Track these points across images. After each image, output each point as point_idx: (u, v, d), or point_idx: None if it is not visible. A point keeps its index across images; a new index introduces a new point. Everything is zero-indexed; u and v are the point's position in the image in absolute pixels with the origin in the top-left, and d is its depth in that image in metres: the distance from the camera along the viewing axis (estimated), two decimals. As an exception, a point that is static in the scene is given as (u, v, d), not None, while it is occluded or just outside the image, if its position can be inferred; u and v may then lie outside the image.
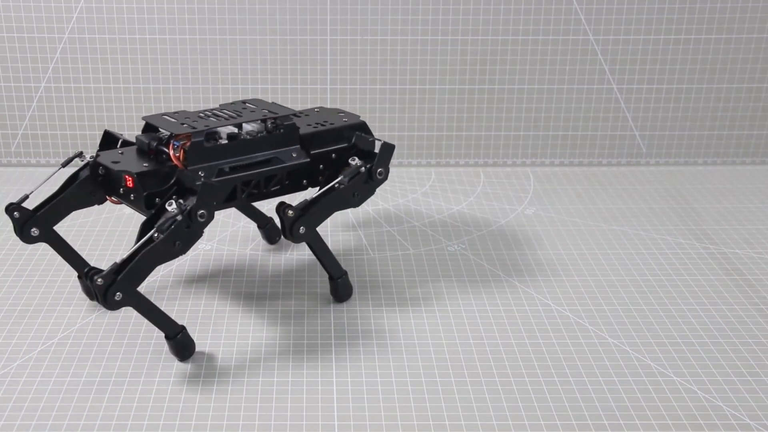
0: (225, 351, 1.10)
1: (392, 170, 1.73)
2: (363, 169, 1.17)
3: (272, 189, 1.17)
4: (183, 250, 1.04)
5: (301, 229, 1.12)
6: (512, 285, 1.28)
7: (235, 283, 1.27)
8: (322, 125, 1.21)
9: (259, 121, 1.16)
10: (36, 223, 1.13)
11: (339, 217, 1.50)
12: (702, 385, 1.04)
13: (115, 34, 1.68)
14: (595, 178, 1.72)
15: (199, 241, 1.38)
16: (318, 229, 1.15)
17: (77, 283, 1.26)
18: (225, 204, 1.14)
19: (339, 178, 1.15)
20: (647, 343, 1.13)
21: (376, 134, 1.74)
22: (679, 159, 1.79)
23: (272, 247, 1.39)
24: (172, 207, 1.02)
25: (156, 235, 1.01)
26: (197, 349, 1.10)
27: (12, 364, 1.07)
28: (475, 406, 1.00)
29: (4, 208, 1.13)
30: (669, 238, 1.44)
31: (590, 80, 1.74)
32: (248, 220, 1.48)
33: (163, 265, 1.31)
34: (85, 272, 1.00)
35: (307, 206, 1.13)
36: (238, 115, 1.15)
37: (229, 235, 1.43)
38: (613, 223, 1.50)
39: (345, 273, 1.21)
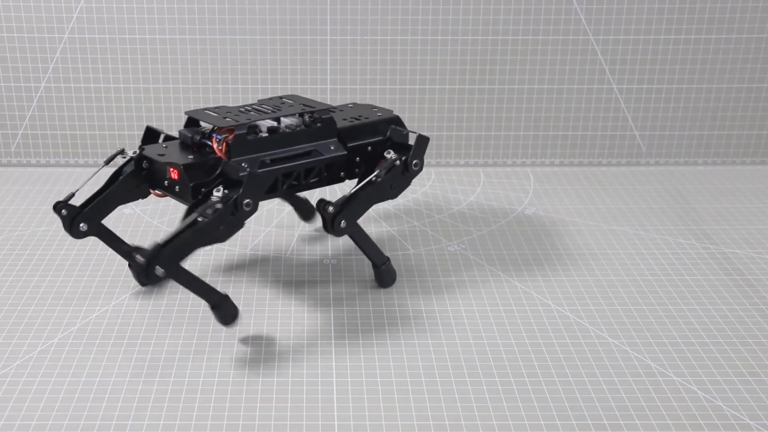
0: (225, 351, 1.10)
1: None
2: (399, 161, 1.20)
3: (311, 181, 1.21)
4: (225, 236, 1.08)
5: (342, 224, 1.16)
6: (512, 285, 1.28)
7: (235, 284, 1.27)
8: (358, 119, 1.26)
9: (297, 116, 1.20)
10: (84, 218, 1.16)
11: (339, 217, 1.51)
12: (702, 385, 1.04)
13: (115, 34, 1.68)
14: (595, 178, 1.72)
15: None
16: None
17: (76, 283, 1.26)
18: (266, 195, 1.18)
19: (376, 172, 1.18)
20: (647, 343, 1.13)
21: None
22: (679, 159, 1.79)
23: (272, 246, 1.39)
24: (219, 193, 1.06)
25: (200, 218, 1.05)
26: (197, 349, 1.10)
27: (12, 364, 1.07)
28: (475, 406, 1.00)
29: (52, 206, 1.17)
30: (669, 238, 1.44)
31: (590, 80, 1.74)
32: (249, 219, 1.48)
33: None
34: (130, 251, 1.04)
35: (346, 201, 1.16)
36: (277, 110, 1.20)
37: (229, 235, 1.43)
38: (613, 223, 1.50)
39: (387, 259, 1.25)
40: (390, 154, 1.21)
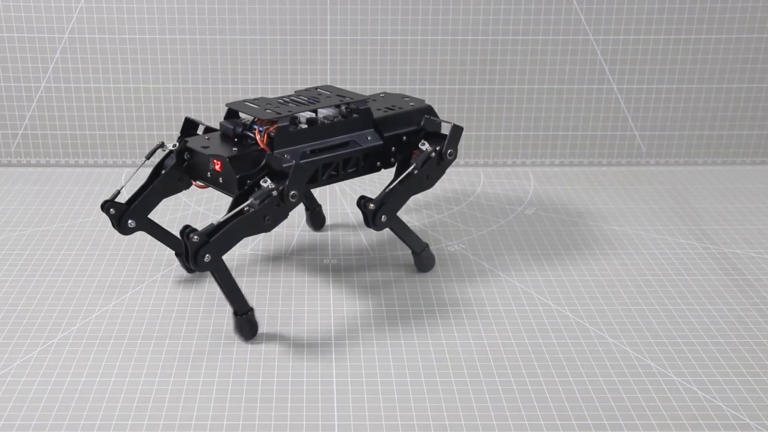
0: (225, 351, 1.10)
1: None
2: (434, 152, 1.22)
3: (349, 171, 1.24)
4: (271, 226, 1.10)
5: (384, 218, 1.20)
6: (512, 285, 1.28)
7: (235, 283, 1.27)
8: (392, 109, 1.28)
9: (334, 107, 1.22)
10: (132, 215, 1.19)
11: (339, 216, 1.50)
12: (702, 385, 1.04)
13: (115, 34, 1.68)
14: (595, 178, 1.72)
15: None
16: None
17: (76, 283, 1.26)
18: (307, 185, 1.20)
19: (413, 165, 1.21)
20: (647, 343, 1.13)
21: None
22: (679, 159, 1.79)
23: (272, 246, 1.39)
24: (267, 184, 1.08)
25: (248, 208, 1.07)
26: (197, 349, 1.10)
27: (12, 364, 1.07)
28: (475, 406, 1.00)
29: (100, 205, 1.20)
30: (669, 238, 1.44)
31: (590, 80, 1.74)
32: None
33: (161, 264, 1.31)
34: (181, 231, 1.05)
35: (385, 196, 1.19)
36: (315, 101, 1.22)
37: (229, 235, 1.43)
38: (613, 223, 1.50)
39: (426, 245, 1.29)
40: (425, 146, 1.22)
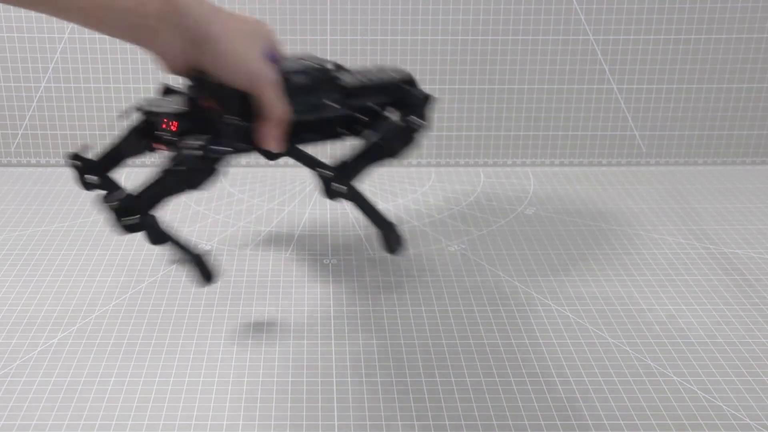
0: (225, 351, 1.10)
1: (392, 170, 1.73)
2: (398, 120, 1.17)
3: (306, 135, 1.18)
4: (197, 183, 1.06)
5: (340, 186, 1.15)
6: (512, 285, 1.28)
7: (235, 284, 1.27)
8: (367, 78, 1.22)
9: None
10: (93, 171, 1.18)
11: (339, 216, 1.50)
12: (702, 385, 1.04)
13: (115, 34, 1.68)
14: (595, 178, 1.72)
15: (199, 241, 1.38)
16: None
17: (76, 283, 1.26)
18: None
19: (372, 132, 1.17)
20: (647, 343, 1.13)
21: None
22: (679, 159, 1.79)
23: (272, 246, 1.39)
24: (194, 141, 1.04)
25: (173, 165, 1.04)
26: (197, 349, 1.10)
27: (12, 364, 1.07)
28: (475, 406, 1.00)
29: (66, 156, 1.21)
30: (669, 238, 1.44)
31: (590, 80, 1.74)
32: (249, 219, 1.49)
33: (161, 264, 1.31)
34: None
35: (342, 164, 1.15)
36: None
37: (229, 234, 1.43)
38: (613, 223, 1.50)
39: (393, 224, 1.24)
40: (390, 114, 1.17)
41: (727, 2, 1.69)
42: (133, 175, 1.23)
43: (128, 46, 1.69)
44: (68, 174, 1.71)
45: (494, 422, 0.97)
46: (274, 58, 1.08)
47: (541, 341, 1.13)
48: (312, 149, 1.20)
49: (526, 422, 0.97)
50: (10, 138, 1.73)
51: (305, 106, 1.12)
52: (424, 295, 1.24)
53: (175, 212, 1.51)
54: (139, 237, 1.39)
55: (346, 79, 1.18)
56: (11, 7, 1.65)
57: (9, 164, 1.75)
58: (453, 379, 1.04)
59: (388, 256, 1.36)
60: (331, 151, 1.50)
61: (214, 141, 1.05)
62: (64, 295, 1.23)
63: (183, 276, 1.29)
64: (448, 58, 1.72)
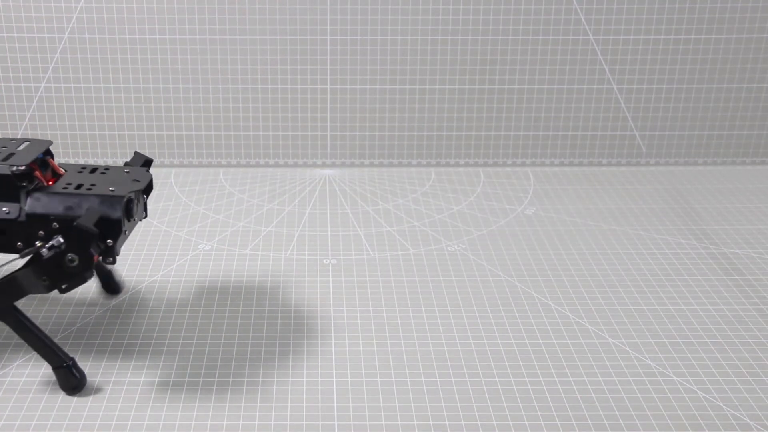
0: (225, 351, 1.10)
1: (392, 170, 1.73)
2: (45, 249, 0.96)
3: None
4: None
5: None
6: (512, 285, 1.28)
7: (235, 283, 1.27)
8: (77, 189, 1.03)
9: None
10: None
11: (339, 216, 1.51)
12: (702, 385, 1.04)
13: (115, 34, 1.68)
14: (595, 178, 1.72)
15: (199, 241, 1.38)
16: None
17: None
18: None
19: (14, 255, 1.01)
20: (647, 343, 1.13)
21: (375, 134, 1.74)
22: (679, 159, 1.79)
23: (272, 246, 1.39)
24: None
25: None
26: (197, 349, 1.10)
27: (12, 364, 1.07)
28: (475, 406, 1.00)
29: None
30: (669, 238, 1.44)
31: (590, 80, 1.74)
32: (248, 219, 1.49)
33: (162, 265, 1.31)
34: None
35: None
36: None
37: (229, 234, 1.43)
38: (613, 223, 1.50)
39: (70, 360, 1.03)
40: (55, 239, 0.97)
41: (727, 2, 1.69)
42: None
43: (128, 46, 1.69)
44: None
45: (494, 422, 0.97)
46: None
47: (541, 341, 1.13)
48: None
49: (526, 422, 0.97)
50: (10, 138, 1.73)
51: None
52: (425, 295, 1.24)
53: (175, 212, 1.51)
54: (139, 237, 1.39)
55: None
56: (11, 6, 1.65)
57: (9, 164, 1.75)
58: (453, 379, 1.04)
59: (388, 256, 1.36)
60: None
61: None
62: (64, 295, 1.23)
63: (184, 276, 1.29)
64: (448, 58, 1.72)
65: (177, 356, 1.09)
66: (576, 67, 1.73)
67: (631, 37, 1.71)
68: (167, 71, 1.71)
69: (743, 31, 1.72)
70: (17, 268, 1.00)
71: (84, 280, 0.99)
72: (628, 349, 1.11)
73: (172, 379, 1.04)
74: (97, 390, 1.02)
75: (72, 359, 1.02)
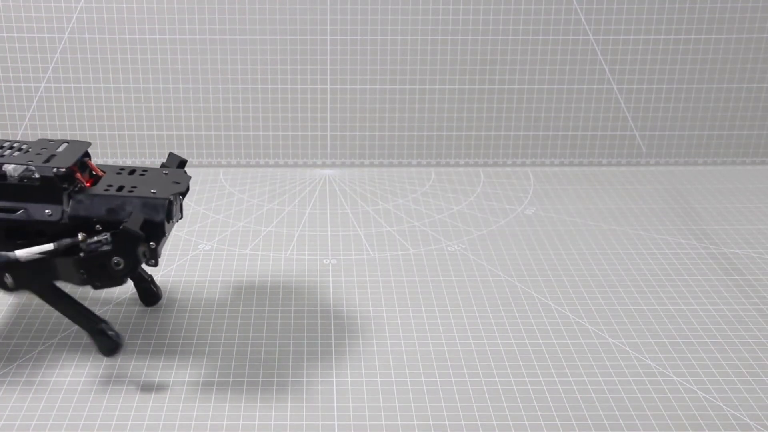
0: (225, 351, 1.10)
1: (392, 170, 1.73)
2: (85, 245, 0.97)
3: (16, 242, 1.03)
4: None
5: (9, 280, 1.01)
6: (512, 285, 1.28)
7: (235, 283, 1.27)
8: (119, 191, 1.04)
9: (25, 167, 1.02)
10: None
11: (339, 216, 1.50)
12: (702, 385, 1.04)
13: (115, 34, 1.68)
14: (595, 178, 1.72)
15: (199, 241, 1.38)
16: None
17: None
18: None
19: (55, 242, 0.99)
20: (647, 343, 1.13)
21: (375, 134, 1.74)
22: (679, 159, 1.79)
23: (272, 246, 1.39)
24: None
25: None
26: (197, 349, 1.10)
27: (12, 364, 1.07)
28: (475, 406, 1.00)
29: None
30: (669, 238, 1.44)
31: (590, 80, 1.74)
32: (248, 219, 1.49)
33: (161, 265, 1.31)
34: None
35: (9, 259, 0.99)
36: (20, 153, 1.05)
37: (229, 234, 1.43)
38: (613, 223, 1.50)
39: (99, 325, 1.06)
40: (103, 236, 0.97)
41: (727, 2, 1.69)
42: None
43: (128, 46, 1.69)
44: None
45: (494, 422, 0.97)
46: None
47: (541, 341, 1.13)
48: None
49: (526, 422, 0.97)
50: (10, 138, 1.73)
51: None
52: (424, 295, 1.24)
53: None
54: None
55: None
56: (11, 6, 1.65)
57: (9, 164, 1.75)
58: (453, 379, 1.04)
59: (388, 256, 1.36)
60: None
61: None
62: (64, 295, 1.23)
63: (184, 275, 1.29)
64: (448, 58, 1.72)
65: (177, 356, 1.09)
66: (576, 67, 1.73)
67: (631, 37, 1.71)
68: (167, 71, 1.71)
69: (743, 31, 1.72)
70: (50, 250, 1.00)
71: (121, 283, 0.99)
72: (628, 349, 1.11)
73: (171, 379, 1.04)
74: (97, 390, 1.02)
75: (105, 321, 1.03)
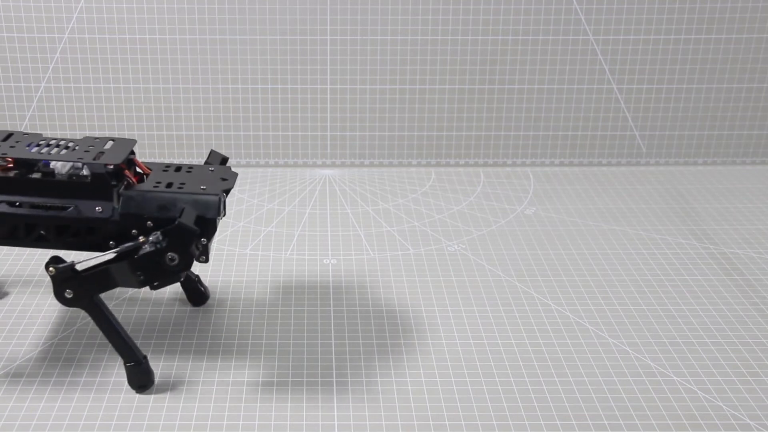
0: (225, 351, 1.10)
1: (392, 170, 1.73)
2: (148, 246, 0.97)
3: (67, 239, 1.03)
4: None
5: (69, 293, 0.99)
6: (512, 285, 1.28)
7: (235, 283, 1.27)
8: (168, 187, 1.04)
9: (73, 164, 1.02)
10: None
11: (339, 216, 1.51)
12: (702, 385, 1.04)
13: (115, 34, 1.68)
14: (595, 178, 1.72)
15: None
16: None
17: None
18: (5, 241, 1.04)
19: (116, 248, 0.99)
20: (647, 343, 1.13)
21: (375, 134, 1.74)
22: (679, 159, 1.79)
23: (272, 246, 1.39)
24: None
25: None
26: (197, 349, 1.10)
27: (12, 365, 1.07)
28: (475, 406, 1.00)
29: None
30: (669, 238, 1.44)
31: (590, 80, 1.74)
32: (248, 219, 1.49)
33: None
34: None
35: (73, 270, 0.99)
36: (67, 150, 1.05)
37: (229, 234, 1.43)
38: (613, 223, 1.50)
39: (138, 359, 1.03)
40: (155, 236, 0.97)
41: (727, 2, 1.69)
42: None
43: (128, 46, 1.69)
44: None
45: (494, 422, 0.97)
46: None
47: (541, 341, 1.13)
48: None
49: (526, 422, 0.97)
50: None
51: None
52: (425, 295, 1.24)
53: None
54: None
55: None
56: (11, 6, 1.65)
57: (9, 164, 1.75)
58: (453, 379, 1.04)
59: (388, 256, 1.36)
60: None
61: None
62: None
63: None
64: (448, 58, 1.72)
65: (176, 356, 1.09)
66: (576, 67, 1.73)
67: (631, 37, 1.71)
68: (167, 71, 1.71)
69: (743, 31, 1.72)
70: (107, 260, 1.00)
71: (178, 279, 1.00)
72: (628, 349, 1.11)
73: (172, 379, 1.04)
74: (97, 390, 1.02)
75: (145, 357, 1.02)
